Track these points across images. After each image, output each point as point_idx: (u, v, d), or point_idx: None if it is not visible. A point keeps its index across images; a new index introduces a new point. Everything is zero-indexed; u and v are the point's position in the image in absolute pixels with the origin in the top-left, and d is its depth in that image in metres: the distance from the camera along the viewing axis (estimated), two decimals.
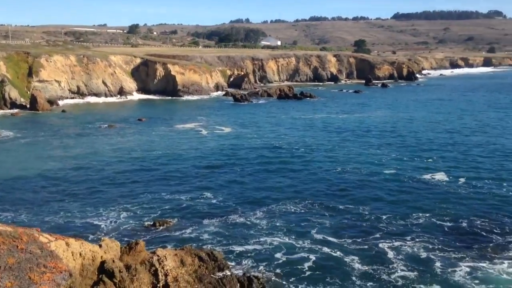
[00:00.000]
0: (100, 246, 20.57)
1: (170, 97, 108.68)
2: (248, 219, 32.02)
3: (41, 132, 63.63)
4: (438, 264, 25.75)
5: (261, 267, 25.25)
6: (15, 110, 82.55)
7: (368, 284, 23.74)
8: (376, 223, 31.44)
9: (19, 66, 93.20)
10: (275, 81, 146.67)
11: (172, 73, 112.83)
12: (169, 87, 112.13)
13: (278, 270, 24.99)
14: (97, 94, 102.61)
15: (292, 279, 24.20)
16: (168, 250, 22.82)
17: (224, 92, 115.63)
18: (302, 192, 37.94)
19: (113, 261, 20.01)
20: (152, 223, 31.22)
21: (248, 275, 23.23)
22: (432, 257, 26.55)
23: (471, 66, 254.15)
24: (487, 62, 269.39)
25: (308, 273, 24.85)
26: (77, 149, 53.41)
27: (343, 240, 28.74)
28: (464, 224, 31.23)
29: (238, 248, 27.53)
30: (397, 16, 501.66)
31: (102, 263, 19.78)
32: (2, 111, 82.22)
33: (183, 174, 43.31)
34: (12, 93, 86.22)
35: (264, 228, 30.53)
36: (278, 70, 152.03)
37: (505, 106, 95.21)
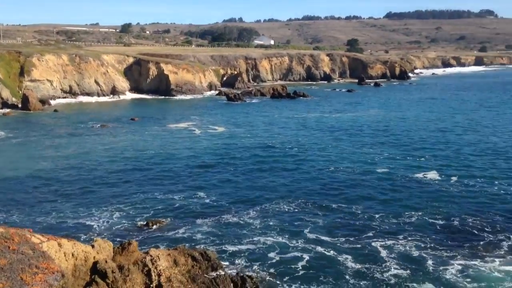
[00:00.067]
0: (93, 246, 20.52)
1: (163, 97, 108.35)
2: (242, 219, 32.05)
3: (33, 132, 63.24)
4: (430, 262, 25.95)
5: (254, 267, 25.28)
6: (7, 110, 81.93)
7: (361, 283, 23.85)
8: (369, 222, 31.60)
9: (11, 66, 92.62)
10: (268, 80, 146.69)
11: (165, 72, 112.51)
12: (162, 87, 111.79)
13: (271, 270, 25.04)
14: (89, 94, 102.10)
15: (286, 278, 24.26)
16: (161, 250, 22.80)
17: (217, 92, 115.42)
18: (295, 191, 38.03)
19: (106, 261, 19.97)
20: (145, 223, 31.15)
21: (242, 274, 23.26)
22: (424, 255, 26.75)
23: (463, 65, 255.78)
24: (478, 61, 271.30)
25: (301, 272, 24.93)
26: (70, 149, 53.16)
27: (336, 239, 28.85)
28: (456, 223, 31.47)
29: (231, 248, 27.55)
30: (389, 15, 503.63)
31: (95, 263, 19.74)
32: None
33: (176, 173, 43.25)
34: (4, 92, 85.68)
35: (257, 227, 30.57)
36: (271, 69, 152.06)
37: (497, 105, 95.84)
